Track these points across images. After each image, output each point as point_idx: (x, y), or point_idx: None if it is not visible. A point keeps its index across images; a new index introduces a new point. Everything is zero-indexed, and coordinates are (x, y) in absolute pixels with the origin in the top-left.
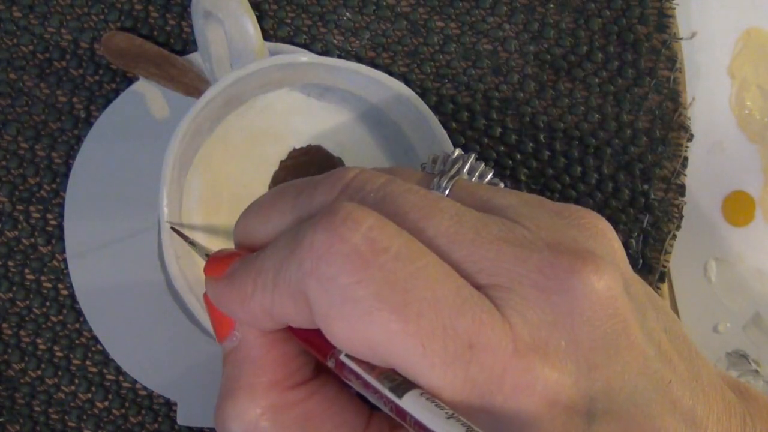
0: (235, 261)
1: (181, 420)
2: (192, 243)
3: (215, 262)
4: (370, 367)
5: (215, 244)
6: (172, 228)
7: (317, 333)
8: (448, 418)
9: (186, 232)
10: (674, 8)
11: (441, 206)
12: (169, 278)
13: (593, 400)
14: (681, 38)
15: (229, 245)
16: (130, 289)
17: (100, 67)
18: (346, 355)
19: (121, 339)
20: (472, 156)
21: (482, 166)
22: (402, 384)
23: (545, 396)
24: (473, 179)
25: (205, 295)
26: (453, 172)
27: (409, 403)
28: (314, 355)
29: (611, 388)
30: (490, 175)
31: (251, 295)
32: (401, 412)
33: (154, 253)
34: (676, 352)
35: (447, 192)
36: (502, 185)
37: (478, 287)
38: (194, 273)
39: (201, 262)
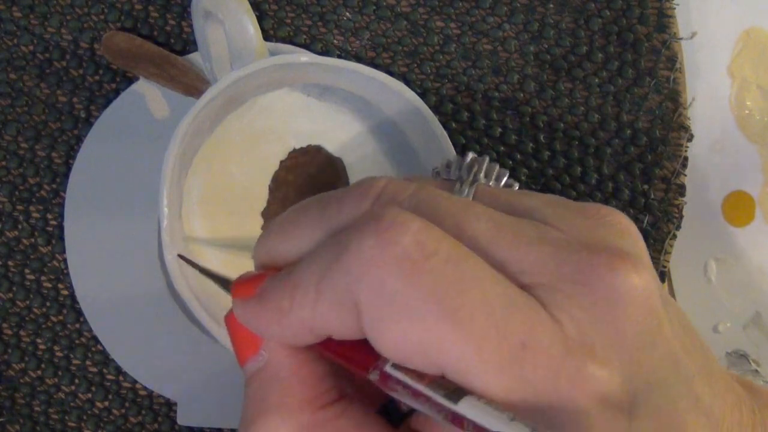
0: (265, 280)
1: (181, 420)
2: (204, 270)
3: (243, 283)
4: (419, 376)
5: (215, 244)
6: (180, 256)
7: (355, 347)
8: (511, 420)
9: (186, 231)
10: (674, 8)
11: (475, 211)
12: (169, 278)
13: (635, 396)
14: (681, 38)
15: (231, 249)
16: (130, 289)
17: (100, 67)
18: (393, 365)
19: (121, 339)
20: (486, 158)
21: (497, 167)
22: (456, 390)
23: (595, 394)
24: (491, 182)
25: (228, 317)
26: (471, 177)
27: (467, 408)
28: (352, 369)
29: (649, 384)
30: (506, 177)
31: (289, 309)
32: (458, 419)
33: (154, 253)
34: (693, 347)
35: (471, 198)
36: (517, 185)
37: (522, 288)
38: (194, 273)
39: (200, 263)
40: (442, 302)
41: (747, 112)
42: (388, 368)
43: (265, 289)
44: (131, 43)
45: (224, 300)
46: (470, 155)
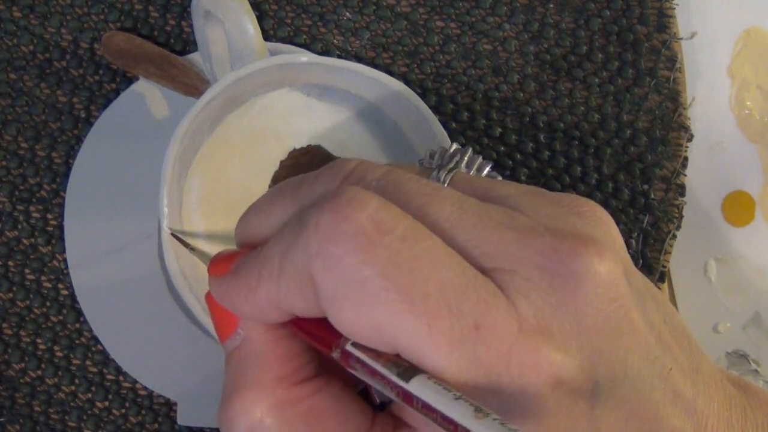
0: (239, 257)
1: (181, 420)
2: (192, 249)
3: (219, 261)
4: (377, 355)
5: (215, 244)
6: (172, 234)
7: (321, 325)
8: (456, 399)
9: (186, 231)
10: (674, 8)
11: (443, 194)
12: (169, 278)
13: (597, 383)
14: (681, 38)
15: (229, 245)
16: (130, 289)
17: (100, 67)
18: (353, 344)
19: (121, 339)
20: (470, 150)
21: (480, 159)
22: (409, 369)
23: (550, 377)
24: (471, 172)
25: (208, 296)
26: (451, 165)
27: (417, 386)
28: (318, 348)
29: (614, 372)
30: (488, 168)
31: (257, 285)
32: (408, 397)
33: (154, 253)
34: (675, 343)
35: (446, 184)
36: (500, 178)
37: (482, 271)
38: (194, 273)
39: (201, 263)
40: (395, 280)
41: (747, 112)
42: (348, 346)
43: (238, 266)
44: (131, 43)
45: None
46: (454, 145)
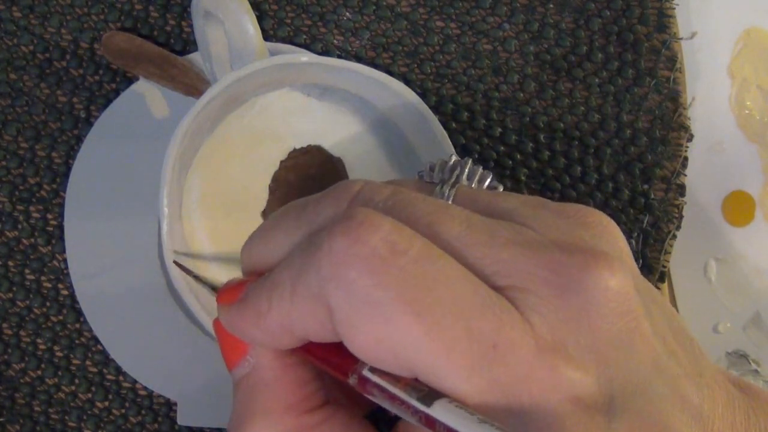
0: (248, 284)
1: (181, 420)
2: (197, 278)
3: (227, 290)
4: (395, 379)
5: (215, 245)
6: (175, 263)
7: (335, 350)
8: (480, 422)
9: (186, 231)
10: (674, 8)
11: (450, 212)
12: (169, 278)
13: (612, 397)
14: (681, 38)
15: (229, 246)
16: (130, 289)
17: (100, 67)
18: (370, 369)
19: (121, 339)
20: (470, 161)
21: (480, 170)
22: (429, 393)
23: (569, 395)
24: (473, 184)
25: (216, 324)
26: (453, 179)
27: (440, 411)
28: (332, 374)
29: (628, 384)
30: (489, 179)
31: (268, 310)
32: (431, 421)
33: (154, 254)
34: (680, 347)
35: (450, 200)
36: (501, 188)
37: (494, 288)
38: (193, 270)
39: (202, 264)
40: (410, 302)
41: (747, 112)
42: (365, 372)
43: (246, 294)
44: (131, 43)
45: None
46: (453, 158)
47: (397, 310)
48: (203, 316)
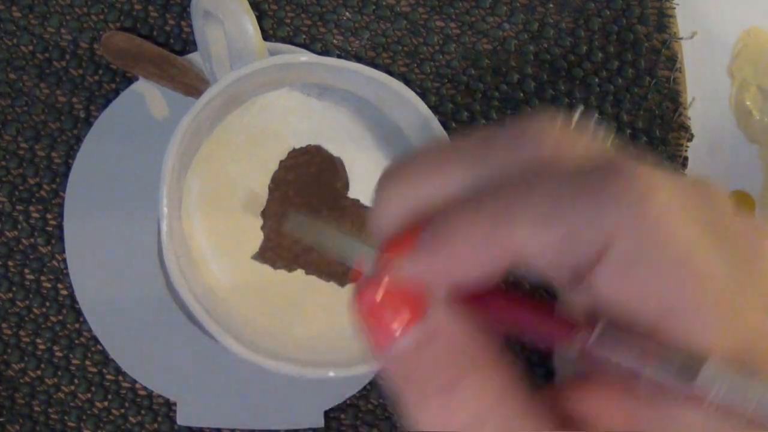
0: (425, 228)
1: (181, 420)
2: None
3: (395, 241)
4: (629, 348)
5: (215, 244)
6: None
7: (541, 313)
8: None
9: (185, 231)
10: (674, 8)
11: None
12: (169, 278)
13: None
14: (681, 38)
15: (229, 245)
16: (130, 288)
17: (99, 67)
18: (600, 339)
19: (121, 339)
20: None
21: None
22: (686, 361)
23: None
24: None
25: (358, 300)
26: None
27: (709, 383)
28: (540, 331)
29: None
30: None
31: (491, 231)
32: (695, 396)
33: (154, 253)
34: None
35: None
36: None
37: None
38: (194, 273)
39: (200, 263)
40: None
41: (747, 112)
42: (593, 344)
43: (436, 229)
44: (131, 43)
45: (224, 301)
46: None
47: (680, 270)
48: (203, 316)
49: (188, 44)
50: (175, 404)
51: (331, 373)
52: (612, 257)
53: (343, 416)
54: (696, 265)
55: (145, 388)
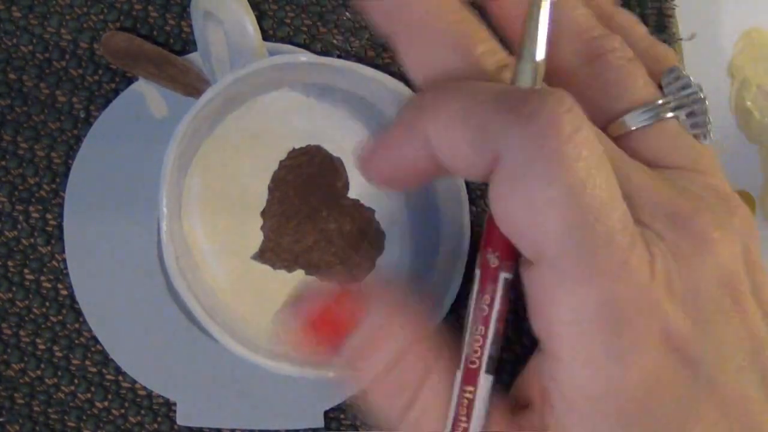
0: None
1: (181, 420)
2: None
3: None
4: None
5: (215, 244)
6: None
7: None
8: None
9: (185, 230)
10: (674, 8)
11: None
12: (169, 278)
13: (702, 359)
14: (681, 38)
15: (229, 245)
16: (130, 289)
17: (99, 67)
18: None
19: (121, 339)
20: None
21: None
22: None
23: (662, 327)
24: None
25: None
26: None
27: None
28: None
29: (720, 356)
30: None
31: (413, 121)
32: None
33: (154, 254)
34: None
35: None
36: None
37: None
38: (194, 273)
39: (200, 263)
40: (577, 185)
41: (747, 112)
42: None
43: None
44: (131, 43)
45: (224, 301)
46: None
47: (564, 184)
48: (203, 316)
49: (188, 44)
50: (175, 404)
51: (331, 374)
52: (502, 168)
53: (342, 416)
54: (582, 194)
55: (144, 388)
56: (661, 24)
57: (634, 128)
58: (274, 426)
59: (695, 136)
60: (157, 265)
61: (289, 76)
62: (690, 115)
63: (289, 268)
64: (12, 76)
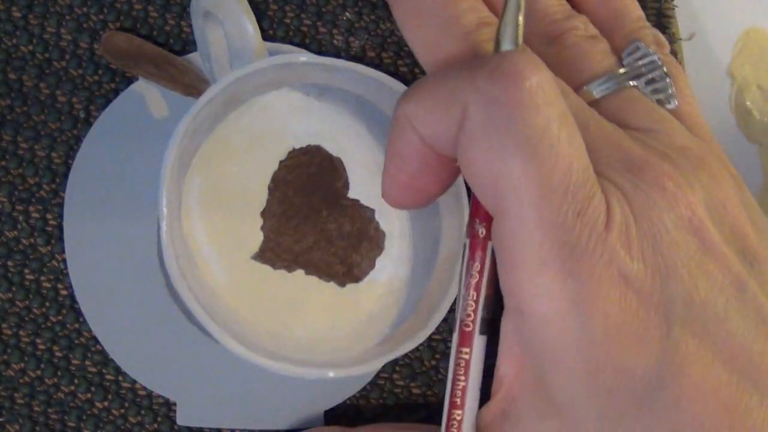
0: None
1: (181, 420)
2: None
3: None
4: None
5: (214, 245)
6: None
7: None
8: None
9: (185, 230)
10: (674, 8)
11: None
12: (169, 278)
13: (671, 302)
14: (681, 38)
15: (227, 246)
16: (130, 289)
17: (99, 67)
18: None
19: (121, 339)
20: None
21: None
22: None
23: (619, 271)
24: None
25: None
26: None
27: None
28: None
29: (695, 299)
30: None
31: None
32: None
33: (153, 254)
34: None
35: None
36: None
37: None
38: (194, 273)
39: (200, 263)
40: (532, 144)
41: (747, 112)
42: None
43: None
44: (131, 43)
45: (224, 301)
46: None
47: (522, 133)
48: (203, 316)
49: (188, 44)
50: (175, 404)
51: (331, 374)
52: (467, 122)
53: (343, 416)
54: (539, 144)
55: (144, 388)
56: (661, 24)
57: (598, 96)
58: (274, 426)
59: (660, 102)
60: (157, 265)
61: (289, 76)
62: (650, 82)
63: (290, 268)
64: (12, 76)
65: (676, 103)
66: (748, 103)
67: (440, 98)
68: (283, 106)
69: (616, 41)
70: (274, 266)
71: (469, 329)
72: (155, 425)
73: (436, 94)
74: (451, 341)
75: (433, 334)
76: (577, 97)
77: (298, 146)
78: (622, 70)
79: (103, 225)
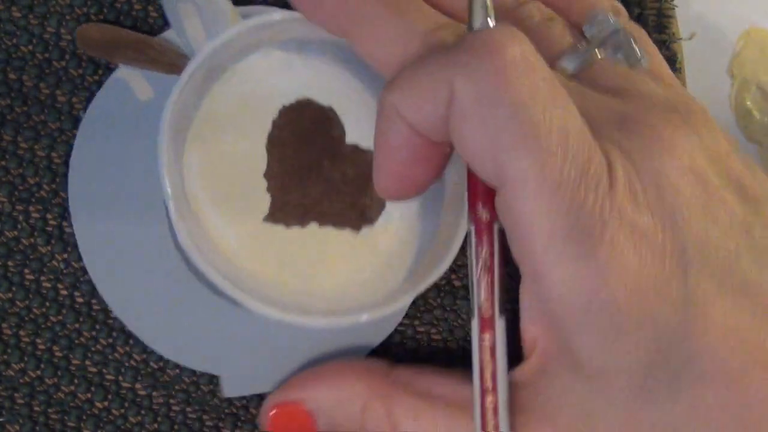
0: None
1: (228, 392)
2: None
3: None
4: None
5: (223, 216)
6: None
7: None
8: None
9: (193, 207)
10: (674, 8)
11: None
12: (187, 257)
13: (684, 248)
14: (681, 38)
15: (237, 215)
16: (152, 275)
17: (99, 67)
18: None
19: (159, 329)
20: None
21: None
22: None
23: (630, 227)
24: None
25: None
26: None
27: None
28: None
29: (707, 245)
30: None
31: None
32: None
33: (167, 237)
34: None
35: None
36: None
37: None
38: (211, 248)
39: (215, 237)
40: (530, 118)
41: (747, 111)
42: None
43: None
44: (105, 32)
45: (246, 269)
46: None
47: (511, 102)
48: (229, 287)
49: (160, 24)
50: (174, 404)
51: (364, 317)
52: (455, 101)
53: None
54: (529, 110)
55: (144, 388)
56: (661, 24)
57: (570, 72)
58: None
59: (631, 66)
60: (173, 247)
61: (266, 36)
62: (617, 49)
63: (303, 224)
64: (12, 76)
65: (648, 61)
66: (748, 102)
67: (425, 81)
68: (266, 67)
69: (574, 18)
70: (288, 224)
71: (489, 314)
72: (155, 425)
73: (420, 79)
74: (468, 279)
75: (452, 278)
76: (556, 72)
77: (287, 103)
78: (583, 42)
79: (113, 218)
